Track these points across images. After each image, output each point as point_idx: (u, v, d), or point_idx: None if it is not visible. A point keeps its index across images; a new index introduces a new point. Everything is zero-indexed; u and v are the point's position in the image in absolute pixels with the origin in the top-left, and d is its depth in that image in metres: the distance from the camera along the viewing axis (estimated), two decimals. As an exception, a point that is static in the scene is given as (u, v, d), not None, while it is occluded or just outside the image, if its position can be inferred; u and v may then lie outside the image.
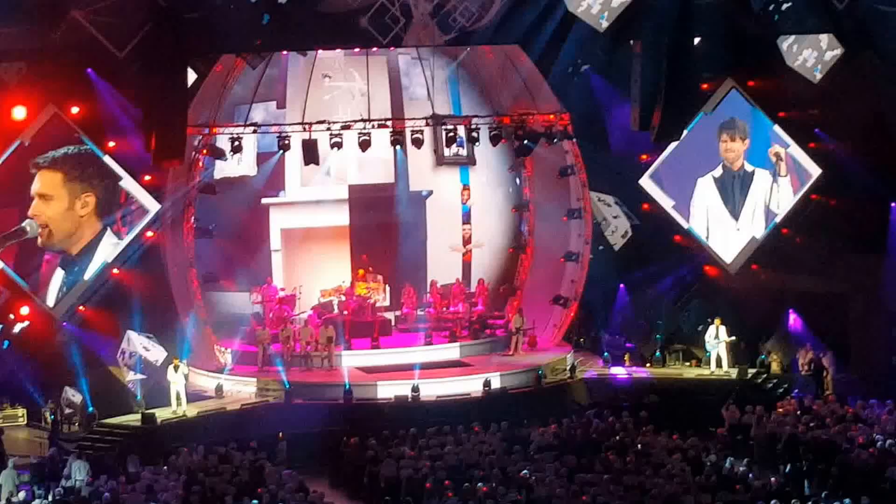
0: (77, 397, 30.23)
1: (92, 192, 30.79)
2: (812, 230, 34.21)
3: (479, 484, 24.46)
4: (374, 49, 32.45)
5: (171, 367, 29.71)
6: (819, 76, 33.40)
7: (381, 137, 31.86)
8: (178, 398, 29.68)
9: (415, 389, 30.36)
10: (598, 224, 34.46)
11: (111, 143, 30.88)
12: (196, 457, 26.58)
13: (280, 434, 28.46)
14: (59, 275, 30.80)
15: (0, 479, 25.51)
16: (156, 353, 30.64)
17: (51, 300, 30.80)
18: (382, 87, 34.18)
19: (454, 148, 33.86)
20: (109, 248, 30.95)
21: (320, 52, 33.09)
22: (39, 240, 30.54)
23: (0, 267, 30.16)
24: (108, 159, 30.79)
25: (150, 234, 31.49)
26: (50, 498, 24.51)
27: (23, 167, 30.20)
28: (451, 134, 32.21)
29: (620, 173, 34.35)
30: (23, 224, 30.29)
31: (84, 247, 30.91)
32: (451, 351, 33.15)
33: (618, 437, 27.71)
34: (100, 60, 29.45)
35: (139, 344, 30.67)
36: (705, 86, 33.55)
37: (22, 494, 24.98)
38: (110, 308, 31.06)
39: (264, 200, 34.54)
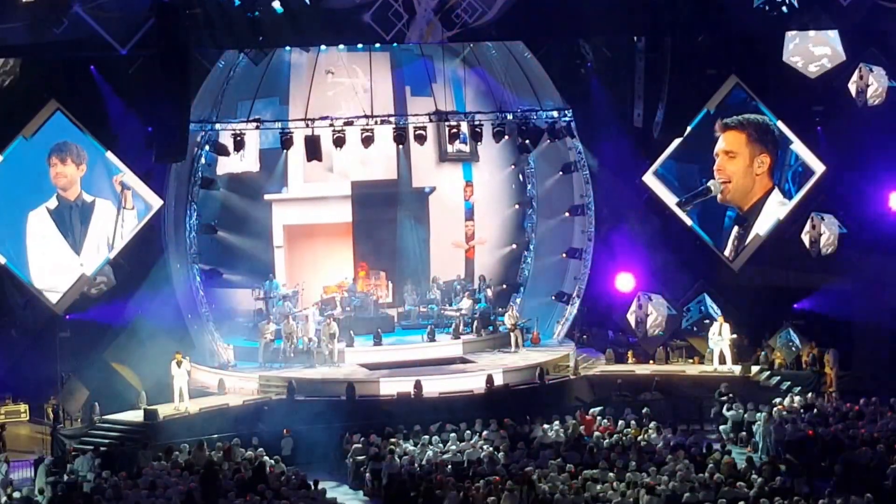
0: (80, 392, 30.25)
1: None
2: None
3: (482, 480, 24.45)
4: (377, 45, 32.35)
5: (173, 363, 29.70)
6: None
7: (384, 133, 31.81)
8: (180, 394, 29.70)
9: (417, 386, 30.34)
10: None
11: (114, 139, 30.80)
12: (198, 453, 26.59)
13: (285, 430, 28.45)
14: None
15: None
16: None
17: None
18: (385, 83, 34.12)
19: (457, 144, 33.85)
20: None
21: (323, 47, 33.00)
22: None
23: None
24: (110, 155, 30.74)
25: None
26: (52, 494, 24.55)
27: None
28: (454, 130, 32.17)
29: (623, 170, 34.27)
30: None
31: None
32: (453, 347, 33.13)
33: (620, 434, 27.70)
34: (102, 56, 29.37)
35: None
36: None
37: (25, 490, 25.02)
38: (113, 303, 31.05)
39: (267, 196, 34.48)
